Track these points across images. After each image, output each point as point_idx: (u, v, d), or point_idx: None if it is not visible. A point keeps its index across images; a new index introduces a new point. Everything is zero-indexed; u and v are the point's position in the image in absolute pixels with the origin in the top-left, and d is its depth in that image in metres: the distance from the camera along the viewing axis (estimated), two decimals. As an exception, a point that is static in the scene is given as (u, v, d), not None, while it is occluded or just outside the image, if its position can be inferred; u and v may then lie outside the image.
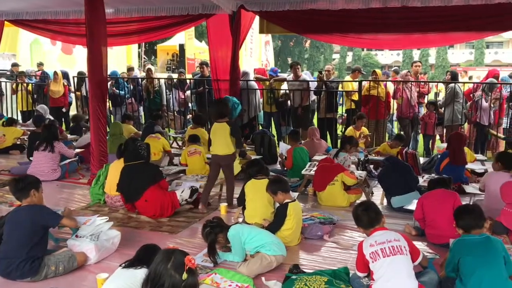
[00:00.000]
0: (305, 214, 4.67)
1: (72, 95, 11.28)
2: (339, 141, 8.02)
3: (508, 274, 3.02)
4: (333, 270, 3.44)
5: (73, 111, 11.32)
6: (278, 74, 9.85)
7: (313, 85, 9.03)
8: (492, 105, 8.44)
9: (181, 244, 4.11)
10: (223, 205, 5.08)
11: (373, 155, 7.49)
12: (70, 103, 11.38)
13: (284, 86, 9.22)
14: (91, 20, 6.02)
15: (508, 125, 8.27)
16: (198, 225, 4.67)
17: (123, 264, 3.04)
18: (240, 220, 4.63)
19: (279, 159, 7.30)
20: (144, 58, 20.03)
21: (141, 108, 10.78)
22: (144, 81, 10.41)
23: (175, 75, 12.85)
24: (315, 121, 9.77)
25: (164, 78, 11.00)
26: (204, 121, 8.27)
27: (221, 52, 8.44)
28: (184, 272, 2.37)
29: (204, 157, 6.50)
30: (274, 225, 4.09)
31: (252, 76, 9.42)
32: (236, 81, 8.37)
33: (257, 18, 8.45)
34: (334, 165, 5.68)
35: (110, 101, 10.01)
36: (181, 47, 16.26)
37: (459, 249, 3.14)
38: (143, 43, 18.09)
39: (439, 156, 6.59)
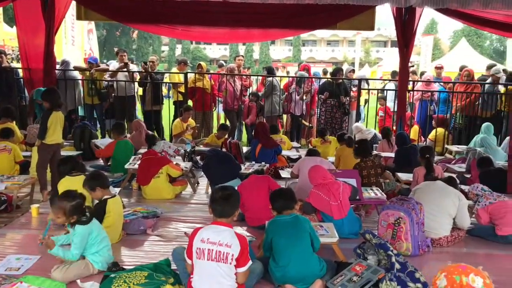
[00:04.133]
0: (127, 210, 4.52)
1: None
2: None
3: (314, 249, 3.34)
4: (154, 263, 3.37)
5: None
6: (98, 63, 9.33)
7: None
8: (304, 97, 9.28)
9: (-19, 255, 3.61)
10: (34, 207, 4.60)
11: (201, 146, 7.62)
12: None
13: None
14: None
15: (319, 115, 9.19)
16: (4, 231, 4.17)
17: None
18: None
19: (101, 153, 6.92)
20: None
21: None
22: None
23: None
24: (140, 114, 9.59)
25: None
26: (14, 114, 7.37)
27: (33, 39, 7.63)
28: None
29: (17, 155, 5.89)
30: (92, 224, 3.84)
31: (72, 65, 8.72)
32: (51, 71, 7.66)
33: (74, 3, 7.84)
34: (159, 157, 5.62)
35: None
36: (-13, 32, 14.22)
37: (271, 230, 3.36)
38: None
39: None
